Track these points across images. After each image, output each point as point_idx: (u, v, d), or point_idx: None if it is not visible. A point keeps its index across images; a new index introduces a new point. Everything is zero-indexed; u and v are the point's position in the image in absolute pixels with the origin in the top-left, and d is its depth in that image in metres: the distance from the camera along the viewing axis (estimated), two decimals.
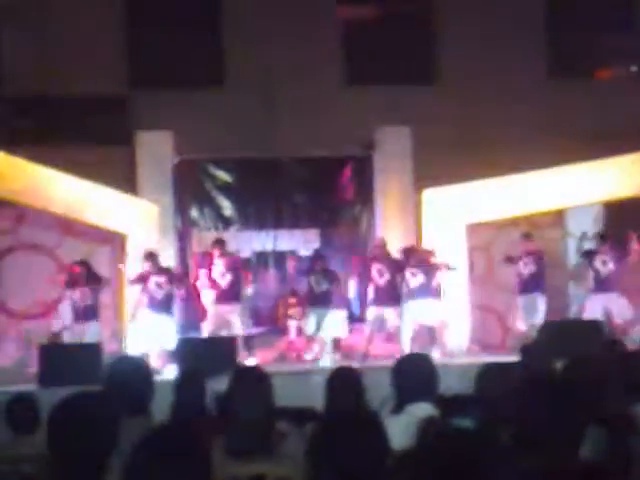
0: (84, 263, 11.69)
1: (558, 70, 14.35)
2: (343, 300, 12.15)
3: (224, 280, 11.73)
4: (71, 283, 11.53)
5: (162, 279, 11.45)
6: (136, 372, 3.99)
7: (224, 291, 11.74)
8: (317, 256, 12.36)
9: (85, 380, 8.06)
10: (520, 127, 13.43)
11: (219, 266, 11.80)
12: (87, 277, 11.49)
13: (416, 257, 11.92)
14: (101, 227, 12.63)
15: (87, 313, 11.41)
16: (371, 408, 4.17)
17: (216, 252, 11.89)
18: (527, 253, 12.31)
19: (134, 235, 12.67)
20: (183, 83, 13.75)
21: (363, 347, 11.75)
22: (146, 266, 11.46)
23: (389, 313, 11.78)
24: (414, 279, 11.74)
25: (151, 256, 11.54)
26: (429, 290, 11.79)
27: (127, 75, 13.73)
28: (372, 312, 11.85)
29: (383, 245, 12.18)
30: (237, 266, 11.99)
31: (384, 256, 11.95)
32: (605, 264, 11.85)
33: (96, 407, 2.89)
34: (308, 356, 12.08)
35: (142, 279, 11.47)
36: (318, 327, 11.65)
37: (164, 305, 11.48)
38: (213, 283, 11.86)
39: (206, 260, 12.28)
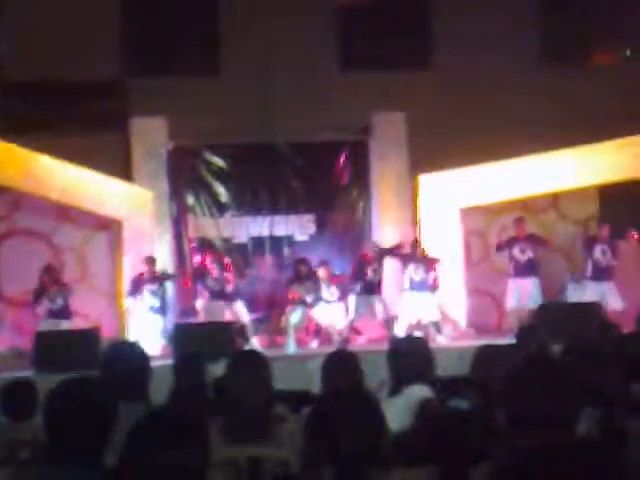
0: (49, 269, 11.96)
1: (552, 55, 14.33)
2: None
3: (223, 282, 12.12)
4: (42, 291, 11.81)
5: (155, 286, 11.97)
6: (132, 357, 4.00)
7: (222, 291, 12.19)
8: (300, 261, 12.44)
9: (82, 366, 8.07)
10: (515, 112, 13.40)
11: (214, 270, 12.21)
12: (53, 282, 11.81)
13: (420, 251, 12.36)
14: (97, 213, 12.63)
15: (59, 313, 11.67)
16: (369, 390, 4.18)
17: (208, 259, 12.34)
18: (523, 238, 12.37)
19: (130, 221, 12.68)
20: (178, 69, 13.70)
21: (344, 332, 11.88)
22: (144, 269, 11.94)
23: (378, 301, 12.19)
24: (416, 274, 12.15)
25: (150, 261, 12.03)
26: (428, 284, 12.21)
27: (122, 61, 13.68)
28: (355, 300, 12.19)
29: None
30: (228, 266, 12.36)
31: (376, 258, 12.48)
32: (604, 253, 12.03)
33: (93, 391, 2.89)
34: (313, 344, 12.24)
35: (137, 288, 12.01)
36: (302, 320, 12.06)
37: (160, 308, 12.01)
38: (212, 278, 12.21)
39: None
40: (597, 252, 12.11)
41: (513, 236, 12.47)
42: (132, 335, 11.69)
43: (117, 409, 2.88)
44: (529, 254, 12.32)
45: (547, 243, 12.60)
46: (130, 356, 4.02)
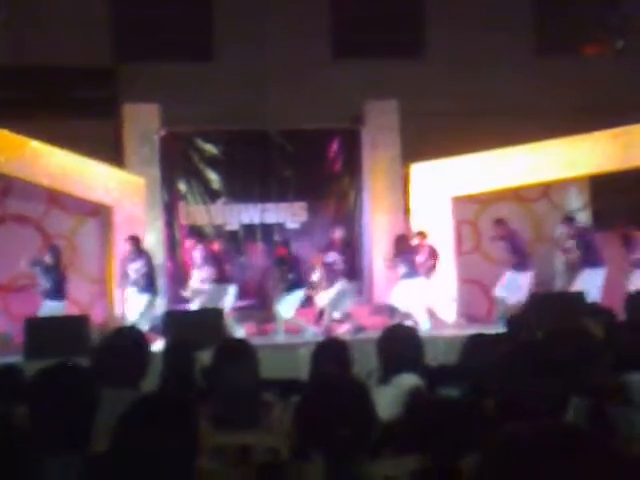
0: (53, 248, 11.84)
1: (545, 45, 14.37)
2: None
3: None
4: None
5: (138, 264, 11.74)
6: (136, 344, 4.00)
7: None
8: (281, 244, 12.40)
9: (71, 352, 8.06)
10: (507, 101, 13.42)
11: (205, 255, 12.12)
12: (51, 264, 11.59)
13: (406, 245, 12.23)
14: (88, 199, 12.59)
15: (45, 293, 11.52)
16: (359, 379, 4.18)
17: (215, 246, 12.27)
18: (499, 238, 12.48)
19: (121, 208, 12.65)
20: (170, 55, 13.68)
21: (356, 320, 11.86)
22: (127, 247, 11.79)
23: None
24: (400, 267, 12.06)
25: (132, 240, 11.83)
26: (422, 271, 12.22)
27: (114, 47, 13.65)
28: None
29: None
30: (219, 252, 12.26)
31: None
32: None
33: (74, 377, 2.88)
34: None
35: (123, 272, 11.91)
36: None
37: (144, 284, 11.73)
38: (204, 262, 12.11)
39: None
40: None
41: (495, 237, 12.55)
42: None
43: (98, 395, 2.87)
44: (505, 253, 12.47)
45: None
46: (132, 342, 4.02)
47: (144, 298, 11.70)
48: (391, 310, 12.09)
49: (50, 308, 11.30)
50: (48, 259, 11.54)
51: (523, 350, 3.08)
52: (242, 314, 12.24)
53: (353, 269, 12.30)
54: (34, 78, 13.39)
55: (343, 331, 11.88)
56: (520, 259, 12.30)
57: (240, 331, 11.66)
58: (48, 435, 2.72)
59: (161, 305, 12.20)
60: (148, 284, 11.75)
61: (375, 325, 11.70)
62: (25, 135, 11.89)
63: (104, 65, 13.51)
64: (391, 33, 14.29)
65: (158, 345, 10.37)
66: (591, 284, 11.72)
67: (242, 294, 12.57)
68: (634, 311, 7.11)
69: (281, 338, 11.68)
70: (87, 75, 13.51)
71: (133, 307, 11.72)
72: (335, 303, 12.00)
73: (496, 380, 2.72)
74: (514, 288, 12.12)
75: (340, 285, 12.06)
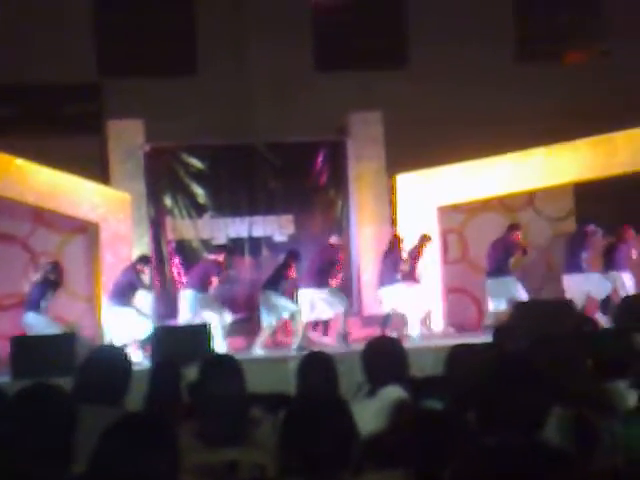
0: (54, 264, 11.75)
1: (526, 53, 14.45)
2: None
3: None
4: None
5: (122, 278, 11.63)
6: (116, 362, 4.00)
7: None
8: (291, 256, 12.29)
9: (59, 371, 8.03)
10: (491, 110, 13.47)
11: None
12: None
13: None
14: (74, 216, 12.57)
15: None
16: (347, 393, 4.18)
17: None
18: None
19: (107, 224, 12.63)
20: (155, 70, 13.68)
21: (343, 329, 11.80)
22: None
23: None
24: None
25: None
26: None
27: (98, 63, 13.64)
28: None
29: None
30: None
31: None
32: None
33: (52, 397, 2.88)
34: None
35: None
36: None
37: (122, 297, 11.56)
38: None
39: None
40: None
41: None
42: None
43: (77, 415, 2.86)
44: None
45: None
46: (113, 360, 4.02)
47: (128, 311, 11.56)
48: (384, 321, 12.08)
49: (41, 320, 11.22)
50: (52, 276, 11.46)
51: (506, 360, 3.09)
52: (231, 328, 12.19)
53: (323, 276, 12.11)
54: (17, 95, 13.37)
55: (326, 342, 11.90)
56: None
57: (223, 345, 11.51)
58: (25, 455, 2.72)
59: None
60: (127, 297, 11.64)
61: (366, 337, 11.68)
62: (9, 153, 11.87)
63: (88, 81, 13.50)
64: (374, 45, 14.34)
65: (145, 360, 10.36)
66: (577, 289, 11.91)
67: (231, 308, 12.53)
68: (621, 317, 7.12)
69: (259, 352, 11.63)
70: (71, 91, 13.50)
71: (120, 322, 11.60)
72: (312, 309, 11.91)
73: (477, 392, 2.73)
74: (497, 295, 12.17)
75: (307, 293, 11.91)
